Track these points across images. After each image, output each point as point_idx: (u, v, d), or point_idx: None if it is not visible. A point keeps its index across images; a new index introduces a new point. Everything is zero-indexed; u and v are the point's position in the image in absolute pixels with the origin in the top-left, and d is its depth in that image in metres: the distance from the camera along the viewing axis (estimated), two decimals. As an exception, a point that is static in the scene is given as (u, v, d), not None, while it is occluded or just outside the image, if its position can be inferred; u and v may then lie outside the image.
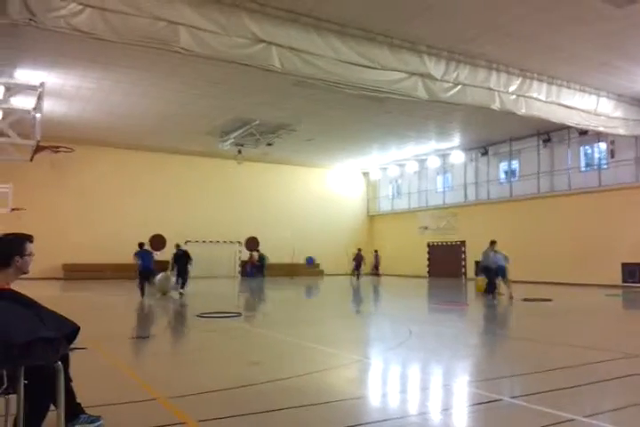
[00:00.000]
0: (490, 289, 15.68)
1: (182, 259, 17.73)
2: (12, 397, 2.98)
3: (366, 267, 30.22)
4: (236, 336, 8.87)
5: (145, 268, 15.98)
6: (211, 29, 10.94)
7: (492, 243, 16.28)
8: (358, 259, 29.09)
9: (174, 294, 16.74)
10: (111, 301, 16.43)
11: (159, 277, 17.02)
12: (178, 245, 18.55)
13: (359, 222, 36.52)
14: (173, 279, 17.26)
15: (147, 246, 16.93)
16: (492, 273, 15.78)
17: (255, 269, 28.46)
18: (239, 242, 30.03)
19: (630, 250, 21.39)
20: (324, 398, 4.73)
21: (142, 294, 15.74)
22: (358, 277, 28.15)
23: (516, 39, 14.00)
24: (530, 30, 13.52)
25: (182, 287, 17.18)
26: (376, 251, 32.05)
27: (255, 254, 28.74)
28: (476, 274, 16.98)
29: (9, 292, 3.16)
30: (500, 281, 15.93)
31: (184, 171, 29.73)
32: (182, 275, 17.40)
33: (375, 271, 31.57)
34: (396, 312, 13.11)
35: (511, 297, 15.29)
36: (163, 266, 18.41)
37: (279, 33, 11.82)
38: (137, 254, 16.23)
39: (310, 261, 32.40)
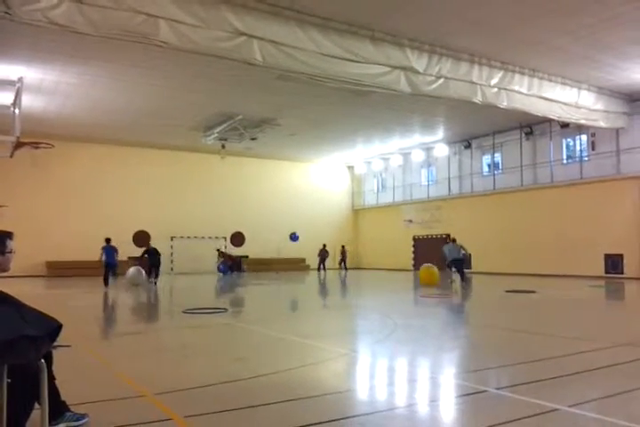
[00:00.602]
0: (463, 277, 17.96)
1: (154, 255, 20.11)
2: (-5, 396, 2.93)
3: (332, 262, 30.54)
4: (222, 332, 8.83)
5: (108, 262, 18.32)
6: (190, 23, 10.84)
7: (454, 239, 19.06)
8: (322, 254, 29.75)
9: (145, 287, 18.37)
10: (96, 298, 16.29)
11: (131, 270, 18.65)
12: (149, 244, 21.40)
13: (344, 216, 36.58)
14: (144, 273, 18.95)
15: (112, 243, 18.95)
16: (461, 263, 18.23)
17: (234, 265, 28.45)
18: (224, 237, 29.94)
19: (613, 241, 21.67)
20: (310, 393, 4.73)
21: (106, 284, 18.03)
22: (319, 271, 29.11)
23: (497, 32, 14.07)
24: (510, 23, 13.59)
25: (156, 277, 19.73)
26: (343, 246, 31.77)
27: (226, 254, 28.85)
28: (449, 267, 19.34)
29: (-11, 290, 3.11)
30: (450, 269, 19.18)
31: (167, 166, 29.52)
32: (155, 268, 19.85)
33: (341, 266, 31.33)
34: (382, 305, 13.15)
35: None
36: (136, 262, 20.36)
37: (260, 26, 11.75)
38: (103, 249, 18.54)
39: (295, 237, 30.60)
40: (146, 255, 20.20)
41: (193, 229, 29.21)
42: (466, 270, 24.19)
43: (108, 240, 18.80)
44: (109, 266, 18.52)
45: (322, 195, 35.31)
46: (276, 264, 30.91)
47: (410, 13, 12.87)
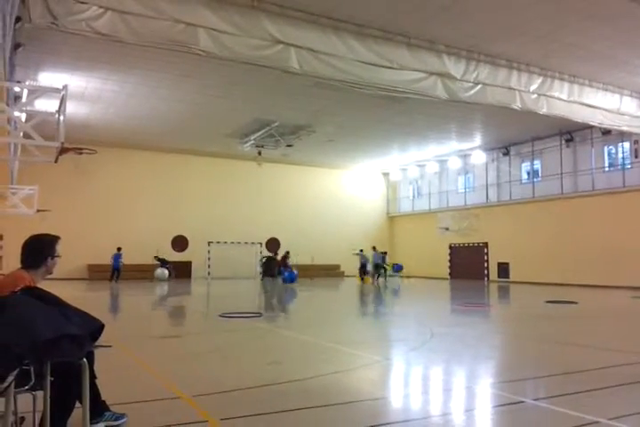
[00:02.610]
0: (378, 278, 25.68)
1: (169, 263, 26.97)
2: (39, 393, 3.02)
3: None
4: (257, 336, 8.90)
5: (114, 266, 24.91)
6: (229, 31, 10.98)
7: (374, 247, 27.07)
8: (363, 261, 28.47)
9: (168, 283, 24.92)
10: (136, 300, 16.60)
11: (158, 270, 25.98)
12: (160, 259, 26.61)
13: (379, 223, 36.41)
14: (166, 273, 26.08)
15: (122, 251, 25.16)
16: (380, 268, 26.38)
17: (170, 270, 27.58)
18: (260, 243, 30.16)
19: (656, 251, 21.02)
20: (345, 399, 4.73)
21: (110, 280, 24.59)
22: (363, 279, 27.65)
23: (536, 38, 13.86)
24: (549, 29, 13.36)
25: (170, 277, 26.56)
26: (361, 250, 28.92)
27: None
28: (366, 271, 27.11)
29: (35, 290, 3.21)
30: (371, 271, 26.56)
31: (205, 172, 29.99)
32: (171, 271, 26.64)
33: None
34: (417, 313, 13.04)
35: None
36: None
37: (297, 34, 11.82)
38: (113, 256, 24.86)
39: (398, 267, 30.74)
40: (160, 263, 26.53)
41: (230, 235, 29.48)
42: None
43: (118, 249, 24.84)
44: (115, 269, 24.86)
45: (357, 201, 35.25)
46: (311, 271, 30.95)
47: (446, 20, 12.79)
